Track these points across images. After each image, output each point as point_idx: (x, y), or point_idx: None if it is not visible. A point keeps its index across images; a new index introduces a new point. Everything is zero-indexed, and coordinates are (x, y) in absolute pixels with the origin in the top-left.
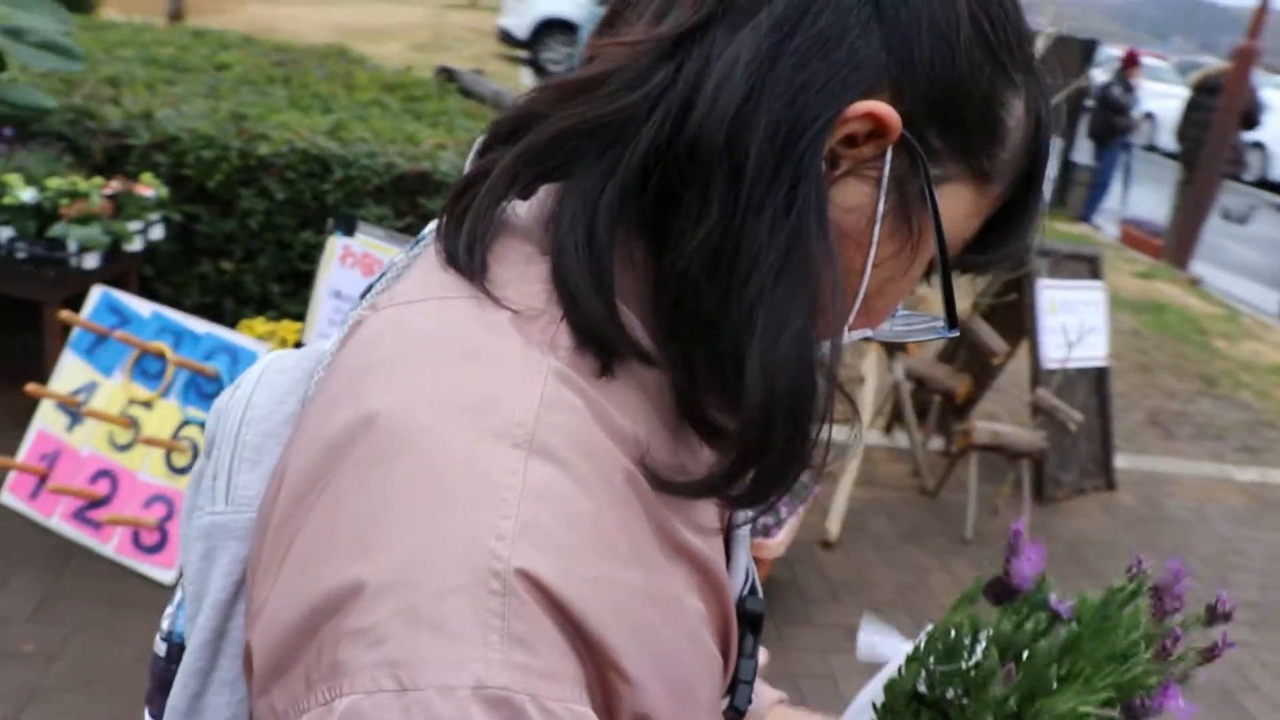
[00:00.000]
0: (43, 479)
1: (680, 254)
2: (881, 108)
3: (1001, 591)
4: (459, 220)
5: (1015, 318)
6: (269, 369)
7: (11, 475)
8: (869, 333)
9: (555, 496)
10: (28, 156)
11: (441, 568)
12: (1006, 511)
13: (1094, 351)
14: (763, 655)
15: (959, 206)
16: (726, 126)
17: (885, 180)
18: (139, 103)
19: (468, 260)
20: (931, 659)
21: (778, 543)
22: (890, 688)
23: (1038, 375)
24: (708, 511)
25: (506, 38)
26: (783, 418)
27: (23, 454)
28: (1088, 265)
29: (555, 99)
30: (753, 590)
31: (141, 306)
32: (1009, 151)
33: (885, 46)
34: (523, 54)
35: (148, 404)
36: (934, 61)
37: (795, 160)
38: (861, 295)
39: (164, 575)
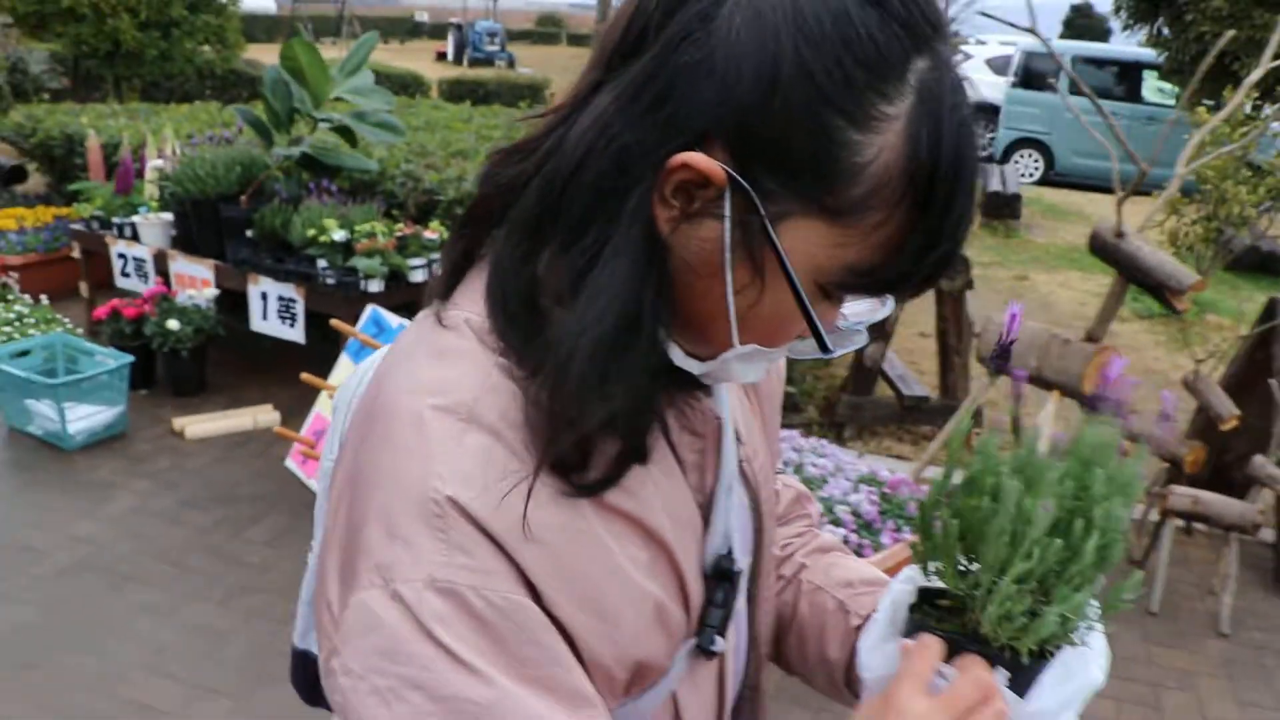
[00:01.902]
0: (311, 449)
1: (544, 274)
2: (697, 158)
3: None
4: (443, 267)
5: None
6: (373, 359)
7: (294, 446)
8: (783, 351)
9: (481, 453)
10: (351, 208)
11: (404, 499)
12: (1233, 597)
13: None
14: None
15: (811, 239)
16: (561, 181)
17: (728, 218)
18: (453, 169)
19: (440, 291)
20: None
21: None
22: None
23: (1245, 441)
24: (647, 478)
25: None
26: (575, 401)
27: (304, 430)
28: None
29: (498, 164)
30: (732, 553)
31: (395, 321)
32: (867, 184)
33: (715, 100)
34: None
35: None
36: (753, 109)
37: (614, 206)
38: (733, 316)
39: None
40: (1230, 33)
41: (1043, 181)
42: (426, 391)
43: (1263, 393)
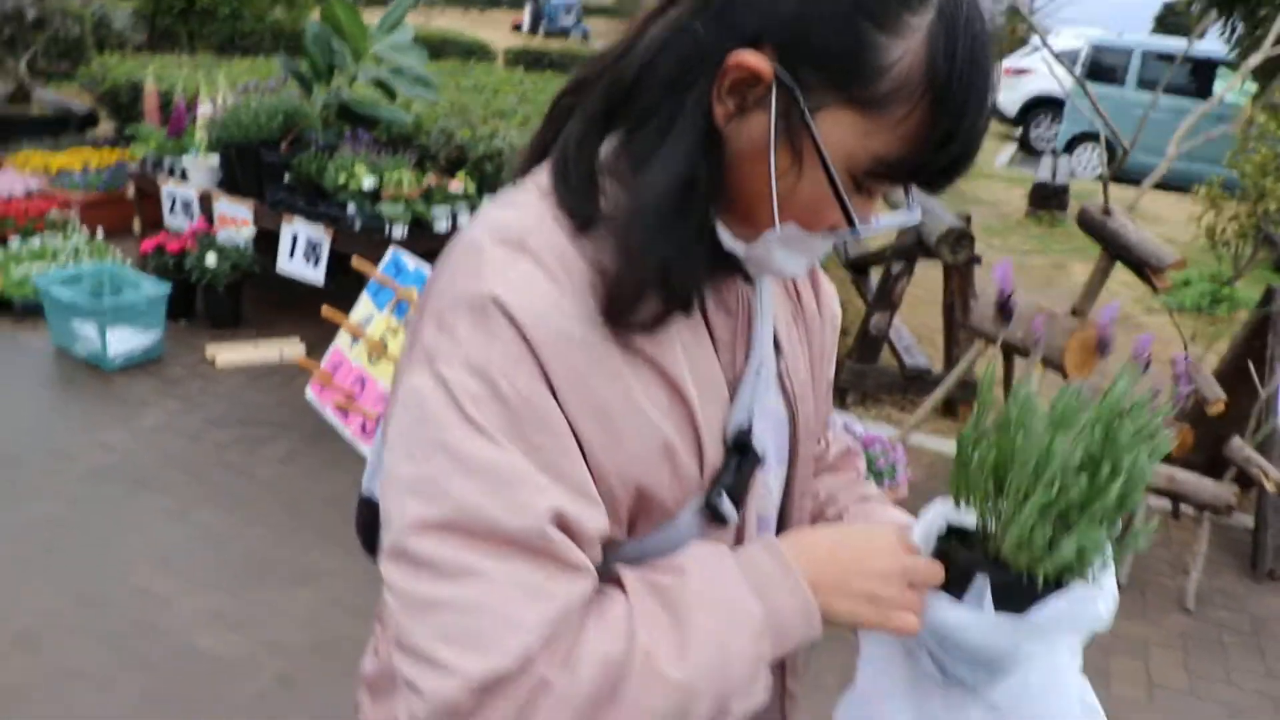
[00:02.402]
0: (329, 380)
1: (607, 155)
2: (749, 56)
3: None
4: (522, 154)
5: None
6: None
7: (314, 376)
8: (819, 243)
9: (527, 274)
10: (383, 158)
11: (455, 299)
12: (1205, 577)
13: None
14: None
15: (844, 128)
16: (631, 75)
17: (773, 110)
18: (487, 127)
19: (519, 170)
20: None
21: None
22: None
23: (1247, 426)
24: (676, 338)
25: (997, 115)
26: (636, 251)
27: (324, 363)
28: None
29: (580, 70)
30: (752, 429)
31: (413, 264)
32: (892, 82)
33: (767, 6)
34: (1013, 131)
35: (395, 331)
36: (798, 14)
37: (679, 97)
38: (774, 196)
39: (366, 449)
40: None
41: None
42: (488, 228)
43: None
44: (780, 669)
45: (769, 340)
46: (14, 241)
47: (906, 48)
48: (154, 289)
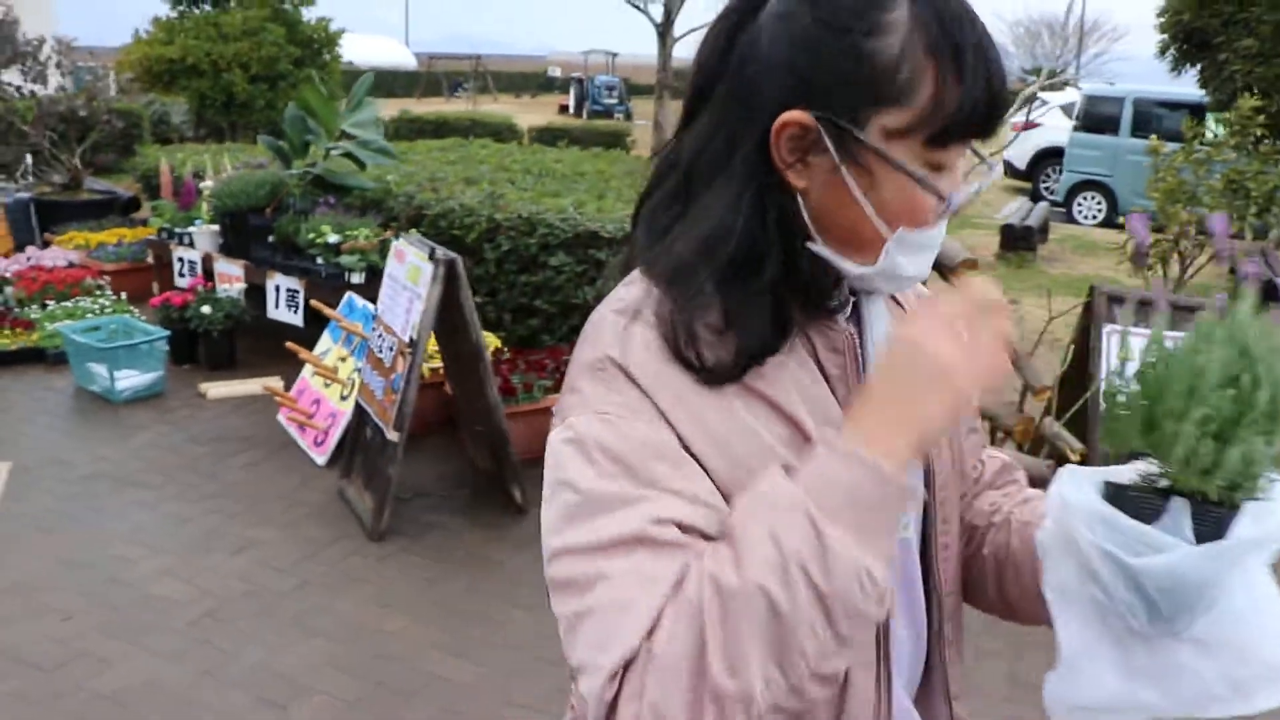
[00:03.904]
0: (294, 405)
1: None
2: (790, 114)
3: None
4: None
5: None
6: None
7: (280, 401)
8: (926, 227)
9: (640, 336)
10: (349, 218)
11: (583, 366)
12: None
13: None
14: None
15: (894, 127)
16: (685, 167)
17: (830, 145)
18: (445, 191)
19: (626, 263)
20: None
21: None
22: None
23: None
24: (789, 376)
25: (1008, 168)
26: (671, 291)
27: (292, 390)
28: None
29: (651, 177)
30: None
31: (361, 303)
32: (904, 70)
33: (780, 81)
34: (1024, 184)
35: (344, 359)
36: (803, 67)
37: (732, 165)
38: (870, 211)
39: (320, 459)
40: None
41: (1105, 223)
42: (609, 303)
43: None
44: (945, 684)
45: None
46: (51, 304)
47: (899, 39)
48: (155, 335)
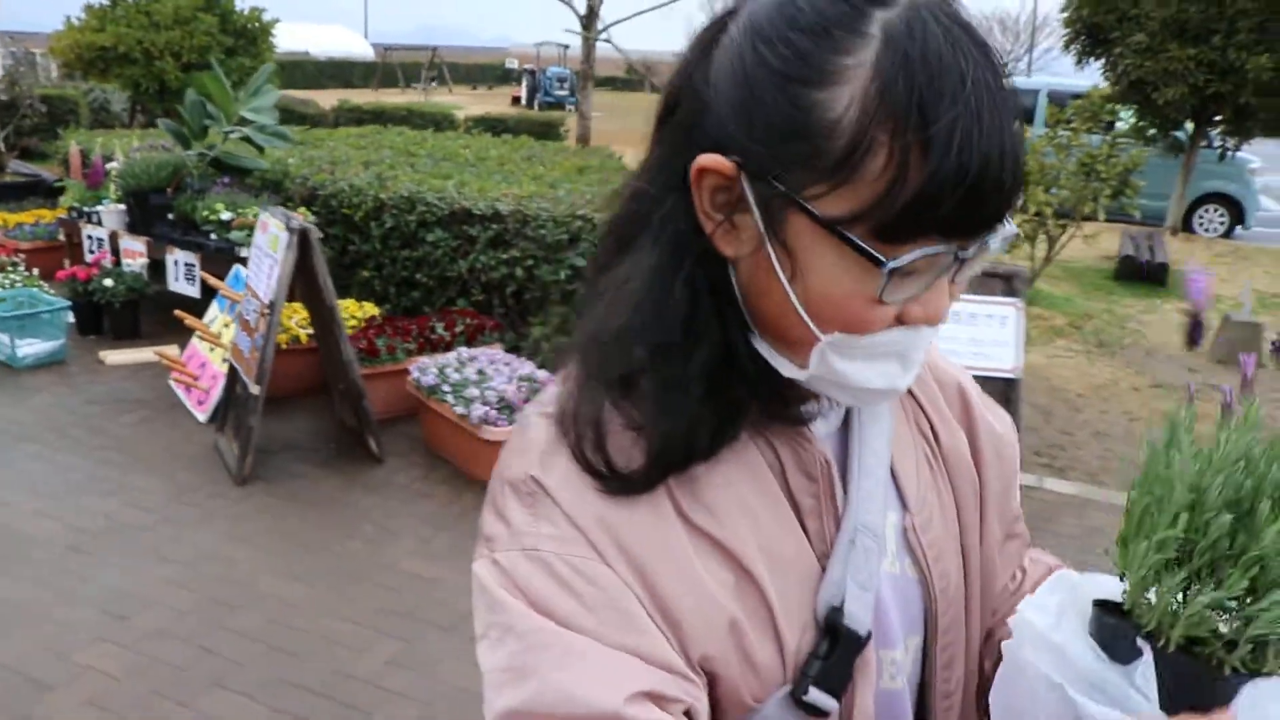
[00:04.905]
0: (181, 368)
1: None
2: (706, 158)
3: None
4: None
5: None
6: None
7: (170, 365)
8: (870, 332)
9: (567, 449)
10: (243, 196)
11: (506, 484)
12: None
13: (1000, 364)
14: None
15: (833, 205)
16: (632, 186)
17: (754, 206)
18: (344, 173)
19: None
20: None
21: None
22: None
23: None
24: (744, 511)
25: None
26: (580, 375)
27: (182, 356)
28: (1002, 283)
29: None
30: (842, 606)
31: (245, 275)
32: (843, 137)
33: (715, 120)
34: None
35: (227, 324)
36: (737, 109)
37: (662, 211)
38: (795, 301)
39: (202, 417)
40: None
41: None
42: (540, 404)
43: None
44: None
45: (873, 499)
46: None
47: (851, 93)
48: (57, 305)
